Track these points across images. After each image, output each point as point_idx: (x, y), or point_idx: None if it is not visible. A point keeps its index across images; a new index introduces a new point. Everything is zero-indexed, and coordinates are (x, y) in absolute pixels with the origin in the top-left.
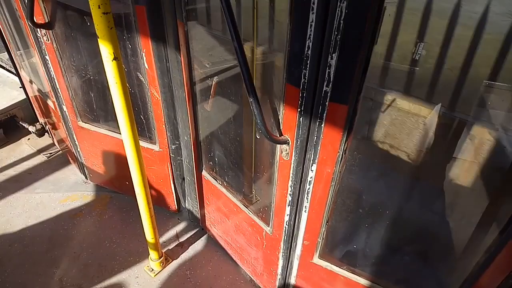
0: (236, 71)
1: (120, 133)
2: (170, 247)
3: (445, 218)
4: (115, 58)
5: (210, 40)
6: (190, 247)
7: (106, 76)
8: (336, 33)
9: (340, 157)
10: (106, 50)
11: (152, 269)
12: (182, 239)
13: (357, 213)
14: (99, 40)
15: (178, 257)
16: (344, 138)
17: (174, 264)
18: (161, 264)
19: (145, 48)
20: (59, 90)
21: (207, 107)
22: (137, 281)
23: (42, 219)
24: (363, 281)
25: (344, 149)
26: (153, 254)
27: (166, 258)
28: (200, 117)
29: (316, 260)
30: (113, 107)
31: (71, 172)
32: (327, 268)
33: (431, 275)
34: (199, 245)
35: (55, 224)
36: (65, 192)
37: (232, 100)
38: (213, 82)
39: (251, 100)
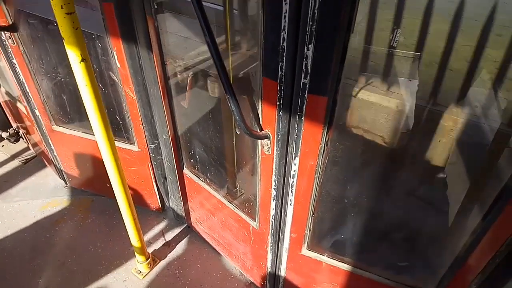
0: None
1: (92, 135)
2: (157, 247)
3: (430, 202)
4: (83, 60)
5: (184, 30)
6: (177, 246)
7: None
8: (311, 23)
9: (322, 149)
10: (73, 52)
11: (140, 271)
12: (168, 238)
13: (343, 203)
14: (64, 42)
15: (166, 256)
16: (325, 130)
17: (162, 264)
18: (149, 266)
19: (116, 47)
20: (29, 94)
21: (184, 104)
22: (125, 284)
23: (22, 227)
24: (352, 269)
25: (326, 140)
26: (139, 256)
27: (154, 258)
28: (178, 114)
29: (305, 251)
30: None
31: (49, 177)
32: (316, 259)
33: (418, 260)
34: (186, 243)
35: (37, 232)
36: (44, 199)
37: (210, 95)
38: (189, 78)
39: (228, 96)
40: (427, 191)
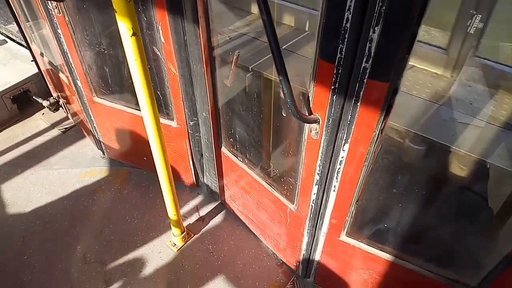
0: (258, 45)
1: (137, 109)
2: (191, 221)
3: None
4: (134, 34)
5: (230, 13)
6: (211, 221)
7: (122, 51)
8: (380, 4)
9: (376, 137)
10: (124, 26)
11: (175, 244)
12: (202, 214)
13: (391, 193)
14: (116, 15)
15: (200, 231)
16: (382, 118)
17: (196, 238)
18: (183, 239)
19: (161, 21)
20: (72, 65)
21: (227, 83)
22: (160, 256)
23: (61, 195)
24: (391, 258)
25: (381, 128)
26: (175, 229)
27: (188, 232)
28: (220, 92)
29: (344, 237)
30: (131, 83)
31: (88, 147)
32: (355, 246)
33: (463, 254)
34: (219, 219)
35: (75, 201)
36: (83, 168)
37: (255, 76)
38: (235, 56)
39: (281, 78)
40: (483, 184)
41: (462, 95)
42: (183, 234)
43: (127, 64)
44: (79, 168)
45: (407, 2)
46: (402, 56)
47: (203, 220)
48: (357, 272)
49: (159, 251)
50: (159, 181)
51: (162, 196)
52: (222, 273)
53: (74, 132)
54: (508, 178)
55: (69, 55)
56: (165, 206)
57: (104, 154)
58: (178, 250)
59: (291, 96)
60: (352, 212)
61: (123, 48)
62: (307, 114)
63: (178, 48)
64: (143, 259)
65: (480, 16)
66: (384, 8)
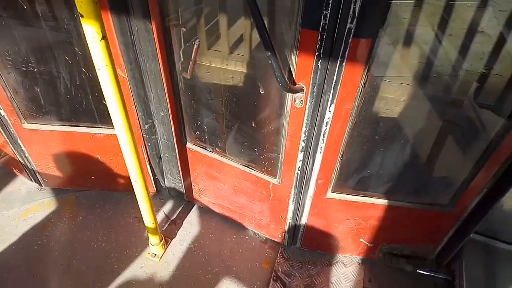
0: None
1: (79, 125)
2: (164, 227)
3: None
4: (103, 37)
5: None
6: (184, 222)
7: (56, 65)
8: None
9: (360, 91)
10: (92, 30)
11: (155, 254)
12: (172, 217)
13: (373, 141)
14: (83, 19)
15: (176, 234)
16: (365, 72)
17: (174, 242)
18: (163, 247)
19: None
20: None
21: (187, 75)
22: (144, 270)
23: (6, 242)
24: (375, 200)
25: (364, 82)
26: (153, 238)
27: (165, 239)
28: (180, 87)
29: (330, 194)
30: (69, 98)
31: (19, 182)
32: (340, 199)
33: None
34: (192, 217)
35: (25, 243)
36: (21, 206)
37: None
38: (195, 46)
39: (269, 54)
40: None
41: None
42: (162, 241)
43: (63, 78)
44: (16, 207)
45: None
46: (385, 9)
47: (175, 222)
48: (343, 223)
49: (141, 266)
50: (113, 197)
51: (123, 212)
52: (213, 267)
53: None
54: None
55: None
56: (130, 221)
57: (41, 185)
58: (160, 259)
59: (280, 71)
60: (337, 168)
61: (56, 61)
62: (292, 85)
63: (125, 49)
64: (128, 279)
65: None
66: None
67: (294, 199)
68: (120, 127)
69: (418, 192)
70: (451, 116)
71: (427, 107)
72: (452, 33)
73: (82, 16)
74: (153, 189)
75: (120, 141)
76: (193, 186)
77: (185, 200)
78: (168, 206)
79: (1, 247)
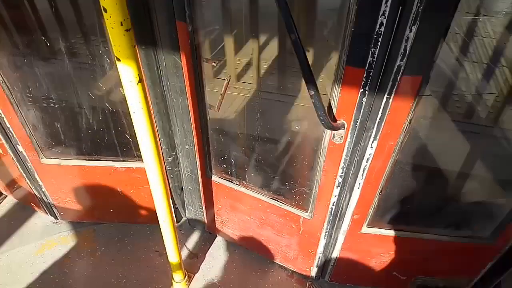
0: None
1: (100, 160)
2: (185, 261)
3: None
4: (140, 81)
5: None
6: (206, 255)
7: (78, 101)
8: (418, 4)
9: (406, 127)
10: (130, 73)
11: None
12: (194, 250)
13: (414, 175)
14: (120, 62)
15: (198, 269)
16: (412, 109)
17: (197, 277)
18: (186, 283)
19: None
20: (10, 129)
21: (216, 109)
22: None
23: (24, 282)
24: (412, 234)
25: (411, 119)
26: (177, 275)
27: (188, 274)
28: (209, 121)
29: (365, 229)
30: (90, 133)
31: (34, 216)
32: (376, 234)
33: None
34: (214, 250)
35: (43, 281)
36: (37, 242)
37: (258, 96)
38: (226, 81)
39: (312, 93)
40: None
41: None
42: (185, 277)
43: (85, 114)
44: (32, 243)
45: None
46: (437, 47)
47: (197, 256)
48: (377, 258)
49: None
50: (131, 230)
51: (143, 245)
52: None
53: (9, 205)
54: None
55: (4, 119)
56: (150, 255)
57: (57, 219)
58: None
59: (323, 109)
60: (375, 203)
61: (78, 96)
62: (332, 122)
63: (152, 85)
64: None
65: None
66: (422, 7)
67: (327, 233)
68: (151, 168)
69: (457, 225)
70: (493, 148)
71: (467, 140)
72: None
73: (119, 60)
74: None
75: (151, 181)
76: (215, 218)
77: (206, 231)
78: (189, 238)
79: (17, 286)
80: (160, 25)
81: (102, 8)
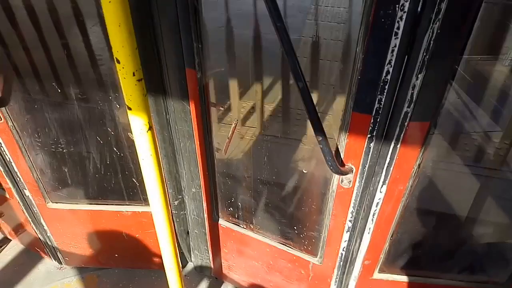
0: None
1: (107, 204)
2: None
3: None
4: (149, 128)
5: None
6: None
7: (87, 146)
8: (424, 54)
9: (415, 172)
10: (140, 121)
11: None
12: None
13: (426, 219)
14: (131, 111)
15: None
16: (421, 153)
17: None
18: None
19: None
20: (18, 173)
21: (223, 153)
22: None
23: None
24: (426, 280)
25: (419, 163)
26: None
27: None
28: (216, 164)
29: (376, 275)
30: (98, 177)
31: (37, 261)
32: (388, 280)
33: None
34: None
35: None
36: None
37: (263, 139)
38: (233, 125)
39: (320, 139)
40: None
41: None
42: None
43: (93, 158)
44: None
45: (454, 46)
46: (444, 93)
47: None
48: None
49: None
50: (136, 275)
51: None
52: None
53: (14, 250)
54: None
55: (13, 164)
56: None
57: (61, 264)
58: None
59: (331, 154)
60: (386, 248)
61: (87, 141)
62: (340, 166)
63: (160, 129)
64: None
65: None
66: (428, 56)
67: (337, 280)
68: (158, 214)
69: (472, 270)
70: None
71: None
72: None
73: (130, 109)
74: None
75: (157, 227)
76: (222, 263)
77: (212, 276)
78: (194, 283)
79: None
80: (169, 72)
81: (115, 59)
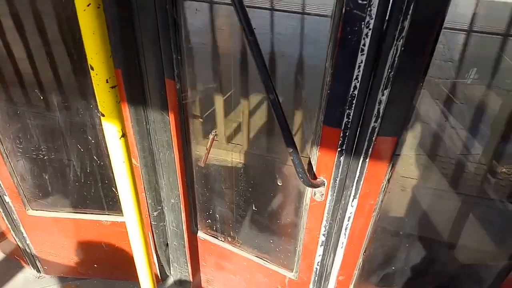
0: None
1: (86, 213)
2: None
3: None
4: (123, 135)
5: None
6: None
7: (67, 153)
8: (389, 70)
9: (384, 186)
10: (114, 128)
11: None
12: None
13: (398, 236)
14: (103, 118)
15: None
16: (389, 169)
17: None
18: None
19: None
20: None
21: (201, 163)
22: None
23: None
24: None
25: (388, 178)
26: None
27: None
28: (195, 175)
29: None
30: (78, 185)
31: (16, 271)
32: None
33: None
34: None
35: None
36: None
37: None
38: (211, 136)
39: (291, 150)
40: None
41: None
42: None
43: (73, 166)
44: None
45: (418, 63)
46: (409, 109)
47: None
48: None
49: None
50: (115, 287)
51: None
52: None
53: None
54: None
55: None
56: None
57: (40, 273)
58: None
59: (302, 167)
60: (360, 264)
61: (68, 149)
62: (312, 179)
63: (140, 139)
64: None
65: None
66: (393, 73)
67: None
68: (131, 221)
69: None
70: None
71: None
72: None
73: (103, 116)
74: (158, 277)
75: (131, 236)
76: (201, 277)
77: None
78: None
79: None
80: (150, 83)
81: (89, 65)
